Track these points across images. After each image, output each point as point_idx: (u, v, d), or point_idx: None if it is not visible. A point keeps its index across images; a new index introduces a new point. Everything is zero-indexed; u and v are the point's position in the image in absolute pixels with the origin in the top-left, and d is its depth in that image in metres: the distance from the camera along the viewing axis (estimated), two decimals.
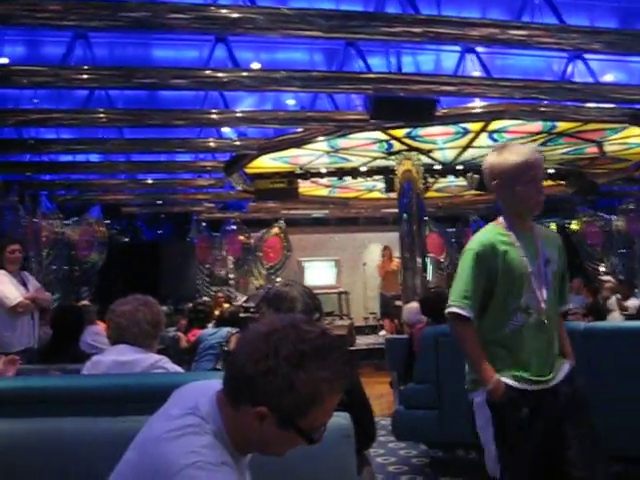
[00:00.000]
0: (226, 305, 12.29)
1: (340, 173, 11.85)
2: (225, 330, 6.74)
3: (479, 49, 8.36)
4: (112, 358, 2.76)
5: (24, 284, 5.29)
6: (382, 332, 12.81)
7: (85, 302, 10.36)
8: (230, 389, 1.40)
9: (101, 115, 8.35)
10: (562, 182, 13.21)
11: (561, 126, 9.88)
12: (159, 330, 2.96)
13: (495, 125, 9.61)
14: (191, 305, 8.99)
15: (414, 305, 6.43)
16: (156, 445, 1.33)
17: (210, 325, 7.49)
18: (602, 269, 15.56)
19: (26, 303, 5.09)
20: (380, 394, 7.91)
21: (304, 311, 2.61)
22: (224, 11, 6.29)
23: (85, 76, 7.02)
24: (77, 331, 4.13)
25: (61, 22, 5.83)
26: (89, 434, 2.01)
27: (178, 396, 1.51)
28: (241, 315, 8.60)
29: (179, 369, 2.87)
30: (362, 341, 12.49)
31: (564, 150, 11.50)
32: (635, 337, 4.20)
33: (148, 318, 2.88)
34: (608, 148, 11.41)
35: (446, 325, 5.00)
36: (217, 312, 8.85)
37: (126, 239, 17.24)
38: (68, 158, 11.20)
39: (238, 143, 10.09)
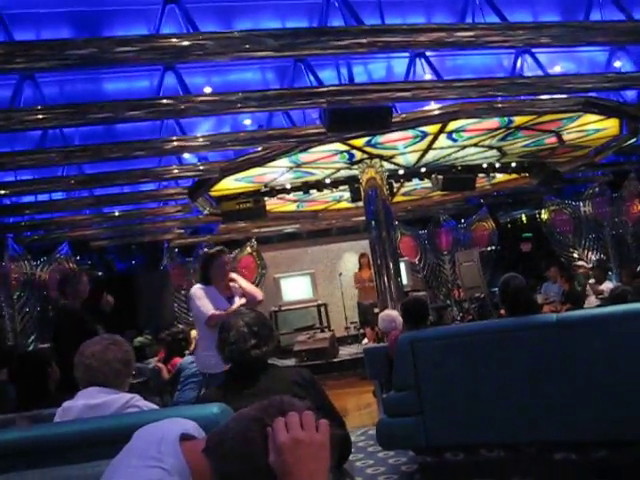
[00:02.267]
0: None
1: (305, 187, 11.86)
2: None
3: (428, 53, 8.44)
4: (83, 402, 2.71)
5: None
6: (364, 341, 12.81)
7: None
8: (211, 451, 1.35)
9: (57, 154, 8.29)
10: (526, 174, 13.37)
11: (518, 120, 9.98)
12: (130, 368, 2.93)
13: (453, 125, 9.68)
14: (167, 334, 8.91)
15: (387, 312, 6.45)
16: None
17: (187, 352, 7.44)
18: (575, 255, 15.73)
19: (217, 315, 4.88)
20: (366, 404, 7.92)
21: (237, 340, 2.79)
22: (173, 40, 6.30)
23: (39, 116, 6.97)
24: (41, 377, 4.04)
25: (7, 65, 5.79)
26: None
27: (138, 440, 1.44)
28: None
29: (153, 406, 2.84)
30: (345, 351, 12.49)
31: (524, 143, 11.62)
32: (606, 323, 4.25)
33: (119, 357, 2.84)
34: (567, 137, 11.55)
35: (421, 330, 5.09)
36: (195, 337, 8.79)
37: (99, 273, 17.11)
38: (30, 199, 11.11)
39: (201, 168, 10.07)
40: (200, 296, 5.03)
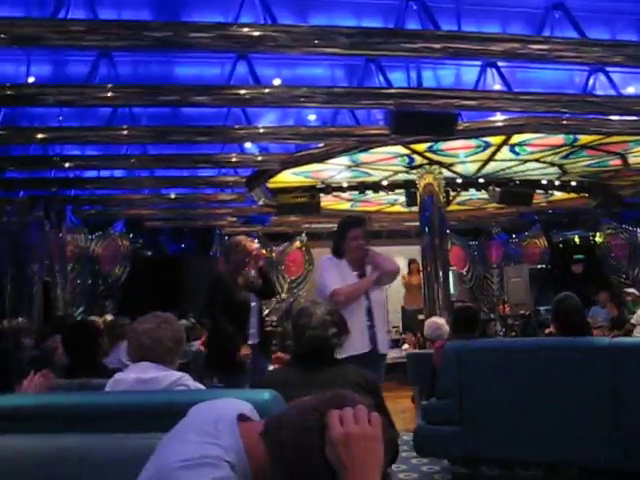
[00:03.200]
0: None
1: (362, 187, 11.90)
2: None
3: (500, 63, 8.35)
4: (134, 376, 2.77)
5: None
6: (405, 346, 12.74)
7: (109, 316, 10.46)
8: (268, 436, 1.37)
9: (125, 132, 8.48)
10: (585, 194, 13.14)
11: (583, 139, 9.83)
12: (180, 347, 2.98)
13: (516, 138, 9.59)
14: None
15: (434, 320, 6.43)
16: (171, 474, 1.29)
17: None
18: (628, 282, 15.40)
19: (342, 290, 4.35)
20: (403, 409, 7.88)
21: (319, 326, 2.84)
22: (245, 29, 6.36)
23: (109, 94, 7.13)
24: (91, 347, 4.13)
25: (85, 42, 5.93)
26: (111, 451, 2.02)
27: (195, 417, 1.46)
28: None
29: (201, 386, 2.89)
30: None
31: (587, 162, 11.43)
32: None
33: (170, 335, 2.90)
34: (632, 160, 11.32)
35: (469, 339, 5.05)
36: None
37: (149, 253, 17.37)
38: (93, 174, 11.35)
39: (260, 158, 10.17)
40: (328, 268, 4.53)
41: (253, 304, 5.71)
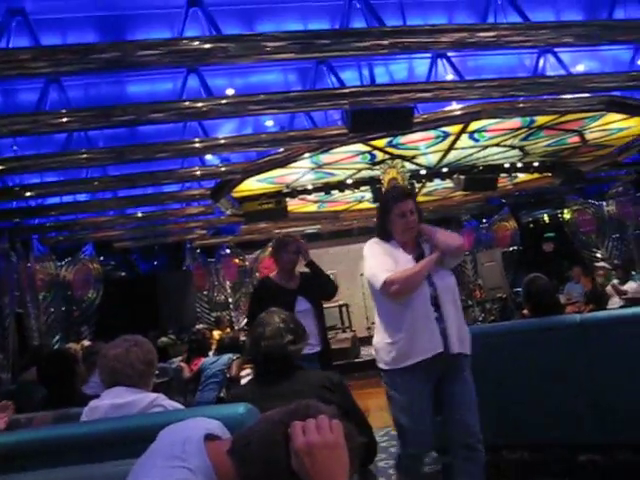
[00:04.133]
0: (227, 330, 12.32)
1: (327, 188, 11.92)
2: (226, 357, 6.77)
3: (450, 53, 8.43)
4: (109, 402, 2.76)
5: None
6: None
7: (86, 341, 10.37)
8: (235, 453, 1.38)
9: (84, 155, 8.38)
10: (548, 174, 13.30)
11: (540, 120, 9.94)
12: (152, 368, 2.97)
13: (475, 125, 9.66)
14: (191, 334, 9.00)
15: None
16: None
17: (211, 353, 7.50)
18: (599, 255, 15.62)
19: (398, 278, 3.45)
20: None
21: (274, 335, 2.82)
22: (195, 43, 6.33)
23: (64, 119, 7.05)
24: (67, 376, 4.08)
25: (33, 70, 5.87)
26: None
27: (164, 440, 1.47)
28: (242, 338, 8.62)
29: (177, 405, 2.88)
30: (366, 352, 12.50)
31: (546, 142, 11.56)
32: (630, 324, 4.22)
33: (141, 358, 2.88)
34: (589, 136, 11.47)
35: None
36: (217, 337, 8.86)
37: (122, 273, 17.27)
38: (55, 200, 11.24)
39: (223, 169, 10.14)
40: (375, 253, 3.65)
41: (305, 308, 4.84)
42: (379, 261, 3.58)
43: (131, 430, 2.34)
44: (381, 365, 3.58)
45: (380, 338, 3.59)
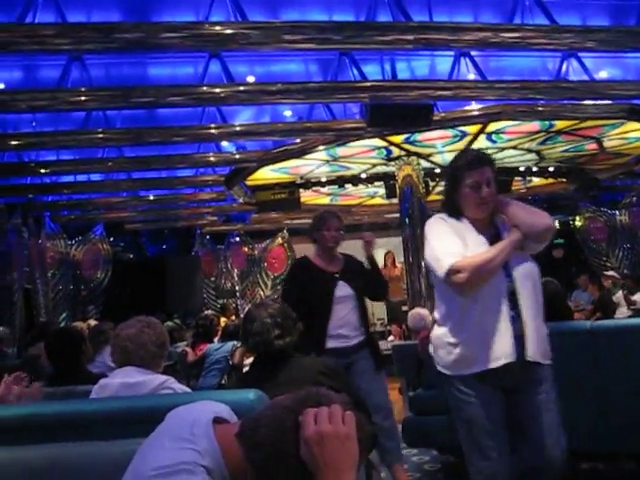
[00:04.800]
0: (233, 318, 12.32)
1: (341, 181, 11.89)
2: (230, 344, 6.76)
3: (473, 52, 8.39)
4: (119, 380, 2.77)
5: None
6: (390, 338, 12.78)
7: (92, 321, 10.40)
8: (244, 437, 1.37)
9: (100, 135, 8.41)
10: (563, 179, 13.23)
11: (559, 124, 9.89)
12: (164, 350, 2.97)
13: (493, 127, 9.62)
14: (197, 319, 9.01)
15: (417, 311, 6.42)
16: None
17: (216, 339, 7.51)
18: (608, 264, 15.53)
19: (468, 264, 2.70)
20: (391, 401, 7.90)
21: (260, 332, 2.81)
22: (217, 28, 6.33)
23: (83, 98, 7.07)
24: (74, 354, 4.09)
25: (56, 46, 5.87)
26: (99, 458, 2.01)
27: (171, 422, 1.47)
28: (243, 331, 8.62)
29: (186, 389, 2.89)
30: None
31: (563, 148, 11.50)
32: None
33: (153, 339, 2.89)
34: (607, 144, 11.41)
35: None
36: (223, 324, 8.87)
37: (131, 256, 17.30)
38: (69, 179, 11.29)
39: (238, 156, 10.14)
40: (440, 233, 2.87)
41: (345, 294, 4.26)
42: (445, 242, 2.80)
43: (140, 410, 2.33)
44: (440, 368, 2.93)
45: (440, 334, 2.90)
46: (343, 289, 4.27)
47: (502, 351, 2.70)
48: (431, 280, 3.13)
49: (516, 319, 2.75)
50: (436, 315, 3.00)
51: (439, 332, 2.91)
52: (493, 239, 2.85)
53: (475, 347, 2.76)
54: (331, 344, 4.14)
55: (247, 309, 3.01)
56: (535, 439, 2.81)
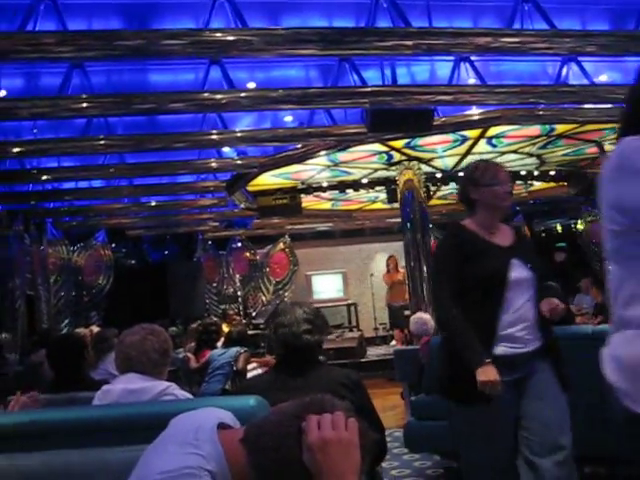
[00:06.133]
0: (237, 318, 12.32)
1: (342, 186, 11.93)
2: (234, 350, 6.76)
3: (473, 57, 8.41)
4: (122, 387, 2.78)
5: None
6: (392, 343, 12.80)
7: (94, 327, 10.41)
8: (248, 442, 1.39)
9: (102, 142, 8.43)
10: (564, 183, 13.24)
11: (559, 128, 9.90)
12: (167, 358, 2.98)
13: (493, 131, 9.64)
14: (198, 325, 9.00)
15: (420, 316, 6.43)
16: None
17: (219, 345, 7.51)
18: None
19: None
20: (393, 405, 7.91)
21: (291, 324, 2.78)
22: (218, 35, 6.35)
23: (84, 105, 7.08)
24: (76, 360, 4.10)
25: (57, 54, 5.89)
26: (101, 465, 2.02)
27: (176, 427, 1.48)
28: (250, 332, 8.62)
29: (188, 395, 2.89)
30: (373, 352, 12.50)
31: (564, 152, 11.52)
32: None
33: (156, 347, 2.89)
34: (609, 147, 11.41)
35: None
36: (226, 329, 8.87)
37: (133, 262, 17.32)
38: (71, 185, 11.31)
39: (239, 162, 10.16)
40: None
41: (523, 276, 3.06)
42: None
43: (142, 416, 2.34)
44: None
45: None
46: (519, 270, 3.04)
47: None
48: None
49: None
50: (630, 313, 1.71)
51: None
52: None
53: None
54: (499, 350, 2.93)
55: (280, 306, 3.01)
56: None
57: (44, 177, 9.86)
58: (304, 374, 2.72)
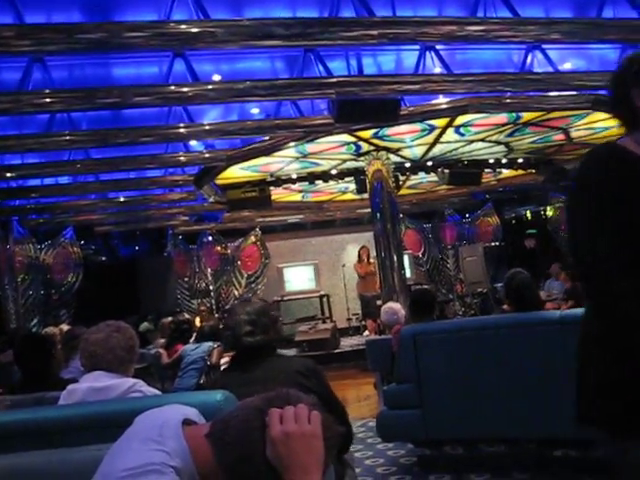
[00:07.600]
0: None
1: (311, 177, 11.91)
2: (207, 344, 6.75)
3: (438, 46, 8.42)
4: (88, 385, 2.74)
5: None
6: (366, 333, 12.84)
7: (64, 325, 10.29)
8: (213, 437, 1.37)
9: (66, 137, 8.32)
10: (532, 171, 13.37)
11: (526, 116, 9.98)
12: (134, 355, 2.95)
13: (461, 120, 9.68)
14: (170, 322, 8.94)
15: (390, 305, 6.45)
16: None
17: (191, 340, 7.47)
18: None
19: None
20: (366, 395, 7.94)
21: (234, 326, 2.79)
22: (182, 27, 6.29)
23: (47, 100, 6.97)
24: (43, 360, 4.04)
25: (16, 48, 5.79)
26: (67, 466, 1.99)
27: (140, 424, 1.46)
28: (222, 327, 8.58)
29: (156, 391, 2.86)
30: (346, 343, 12.53)
31: (531, 139, 11.62)
32: None
33: (122, 344, 2.86)
34: (574, 134, 11.54)
35: (426, 322, 5.07)
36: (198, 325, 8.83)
37: (103, 258, 17.16)
38: (37, 182, 11.13)
39: (207, 155, 10.08)
40: None
41: None
42: None
43: (108, 415, 2.31)
44: None
45: None
46: None
47: None
48: None
49: None
50: None
51: None
52: None
53: None
54: None
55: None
56: None
57: (8, 174, 9.69)
58: (260, 366, 2.72)
